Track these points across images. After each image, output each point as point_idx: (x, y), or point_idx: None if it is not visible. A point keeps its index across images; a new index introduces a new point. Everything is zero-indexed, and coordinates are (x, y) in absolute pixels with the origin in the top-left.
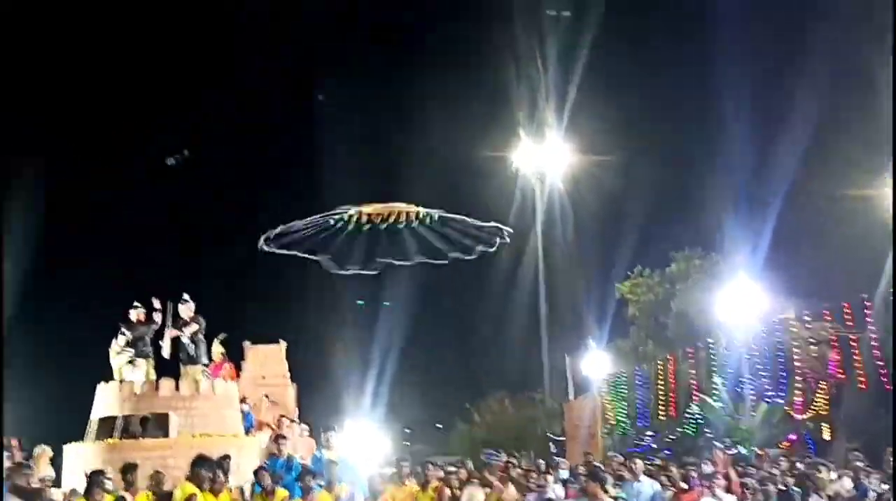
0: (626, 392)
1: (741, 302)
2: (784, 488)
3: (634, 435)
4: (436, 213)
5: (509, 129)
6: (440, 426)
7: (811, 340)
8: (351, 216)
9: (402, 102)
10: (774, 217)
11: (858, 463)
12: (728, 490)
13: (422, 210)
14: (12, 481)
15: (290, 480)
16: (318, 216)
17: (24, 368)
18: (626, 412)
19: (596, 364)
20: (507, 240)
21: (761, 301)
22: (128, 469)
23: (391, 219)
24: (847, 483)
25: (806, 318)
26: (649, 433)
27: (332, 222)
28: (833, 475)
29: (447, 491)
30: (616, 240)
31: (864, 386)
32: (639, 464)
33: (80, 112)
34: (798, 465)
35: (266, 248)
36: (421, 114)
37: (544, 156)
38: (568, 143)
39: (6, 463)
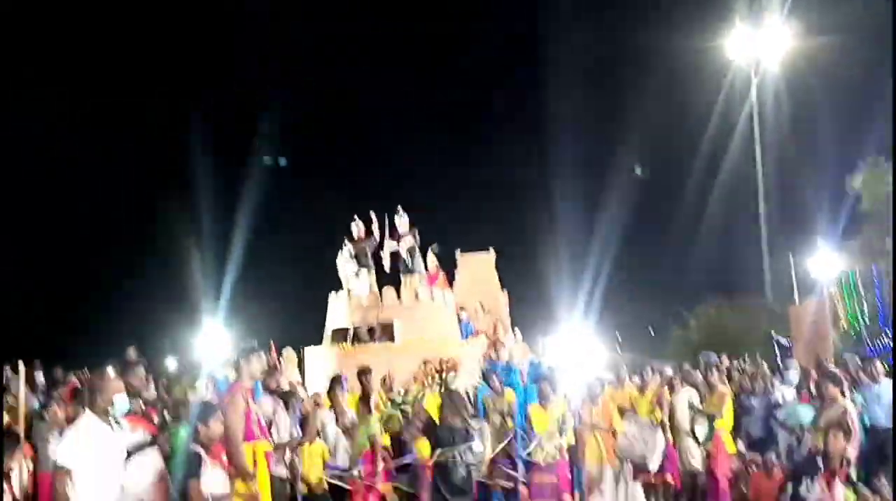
0: (861, 292)
1: None
2: None
3: (870, 338)
4: None
5: (724, 16)
6: (652, 332)
7: None
8: None
9: None
10: None
11: None
12: None
13: None
14: (266, 383)
15: (513, 382)
16: None
17: (268, 280)
18: (860, 312)
19: (825, 263)
20: None
21: None
22: (363, 372)
23: None
24: None
25: None
26: (887, 334)
27: None
28: None
29: (666, 394)
30: (845, 128)
31: None
32: (878, 366)
33: None
34: None
35: None
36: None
37: (761, 42)
38: (787, 27)
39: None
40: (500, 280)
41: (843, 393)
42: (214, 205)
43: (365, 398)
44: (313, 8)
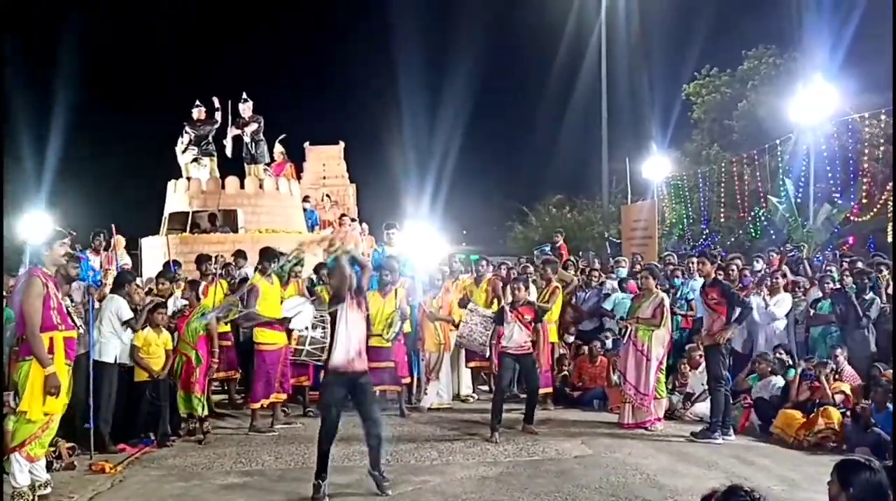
0: (687, 195)
1: (812, 102)
2: (840, 286)
3: (692, 238)
4: None
5: None
6: (496, 228)
7: (880, 139)
8: None
9: None
10: (857, 10)
11: None
12: (785, 288)
13: None
14: (67, 271)
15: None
16: None
17: (102, 167)
18: (685, 214)
19: (657, 167)
20: None
21: (833, 100)
22: (201, 260)
23: None
24: None
25: (880, 113)
26: (707, 236)
27: None
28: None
29: (499, 284)
30: (684, 38)
31: None
32: (695, 263)
33: None
34: (858, 264)
35: None
36: None
37: None
38: None
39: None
40: (349, 171)
41: (658, 285)
42: (36, 79)
43: (194, 284)
44: None
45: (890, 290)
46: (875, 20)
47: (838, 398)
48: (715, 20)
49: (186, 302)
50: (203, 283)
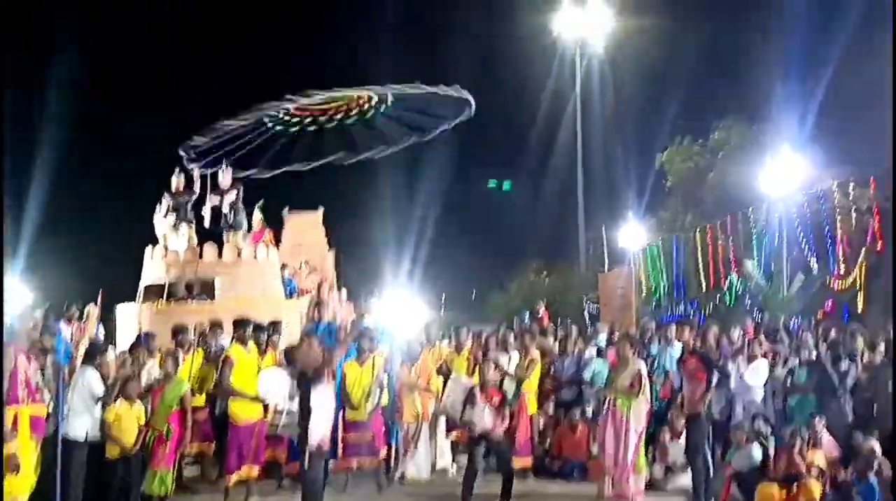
0: (663, 262)
1: (783, 172)
2: (815, 357)
3: (670, 305)
4: (388, 95)
5: None
6: (475, 294)
7: (853, 208)
8: (287, 116)
9: None
10: (823, 84)
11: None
12: (763, 356)
13: (372, 95)
14: (42, 343)
15: (332, 344)
16: (247, 115)
17: (80, 232)
18: (661, 282)
19: (633, 234)
20: (471, 111)
21: (804, 170)
22: (178, 331)
23: (337, 115)
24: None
25: (852, 183)
26: (684, 303)
27: (267, 123)
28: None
29: (480, 355)
30: (657, 108)
31: None
32: (673, 330)
33: None
34: (832, 332)
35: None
36: None
37: (585, 22)
38: (610, 8)
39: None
40: (329, 238)
41: (638, 353)
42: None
43: (173, 356)
44: None
45: (866, 359)
46: (841, 96)
47: (814, 471)
48: (688, 89)
49: (160, 375)
50: (180, 354)
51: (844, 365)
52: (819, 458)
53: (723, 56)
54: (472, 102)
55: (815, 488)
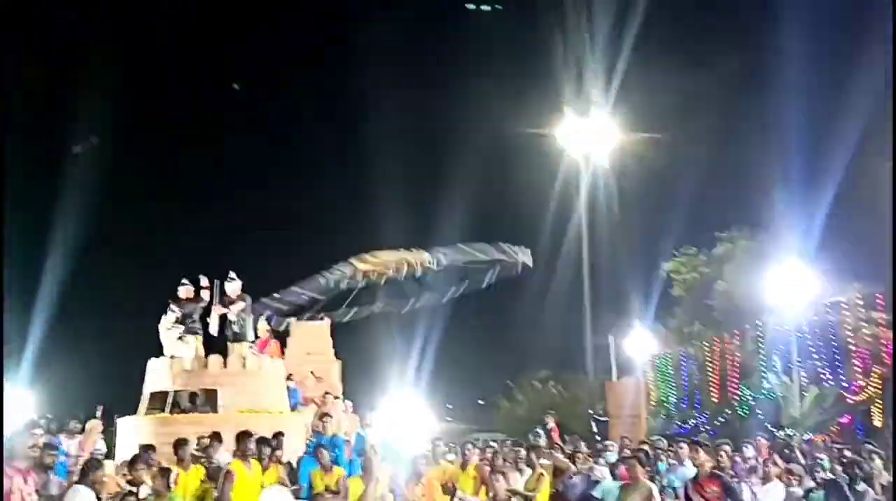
0: (672, 373)
1: (790, 285)
2: (832, 476)
3: (679, 417)
4: (442, 257)
5: (555, 107)
6: (482, 403)
7: (864, 323)
8: (347, 274)
9: (446, 79)
10: (828, 197)
11: None
12: (778, 477)
13: (426, 257)
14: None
15: (338, 456)
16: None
17: (83, 343)
18: (670, 393)
19: (640, 344)
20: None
21: (812, 283)
22: (179, 444)
23: (392, 274)
24: None
25: (858, 302)
26: (695, 415)
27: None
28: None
29: (487, 471)
30: (662, 219)
31: None
32: (684, 449)
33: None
34: (846, 452)
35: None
36: (464, 91)
37: (590, 134)
38: (614, 121)
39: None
40: (335, 348)
41: (647, 475)
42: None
43: (163, 474)
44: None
45: (883, 480)
46: (846, 212)
47: None
48: (692, 199)
49: (153, 494)
50: (176, 471)
51: (860, 487)
52: None
53: (726, 168)
54: (531, 264)
55: None
